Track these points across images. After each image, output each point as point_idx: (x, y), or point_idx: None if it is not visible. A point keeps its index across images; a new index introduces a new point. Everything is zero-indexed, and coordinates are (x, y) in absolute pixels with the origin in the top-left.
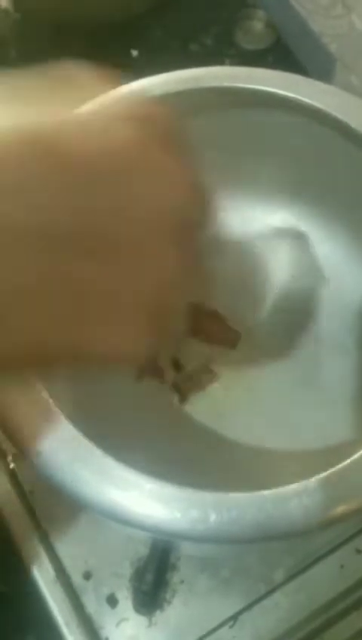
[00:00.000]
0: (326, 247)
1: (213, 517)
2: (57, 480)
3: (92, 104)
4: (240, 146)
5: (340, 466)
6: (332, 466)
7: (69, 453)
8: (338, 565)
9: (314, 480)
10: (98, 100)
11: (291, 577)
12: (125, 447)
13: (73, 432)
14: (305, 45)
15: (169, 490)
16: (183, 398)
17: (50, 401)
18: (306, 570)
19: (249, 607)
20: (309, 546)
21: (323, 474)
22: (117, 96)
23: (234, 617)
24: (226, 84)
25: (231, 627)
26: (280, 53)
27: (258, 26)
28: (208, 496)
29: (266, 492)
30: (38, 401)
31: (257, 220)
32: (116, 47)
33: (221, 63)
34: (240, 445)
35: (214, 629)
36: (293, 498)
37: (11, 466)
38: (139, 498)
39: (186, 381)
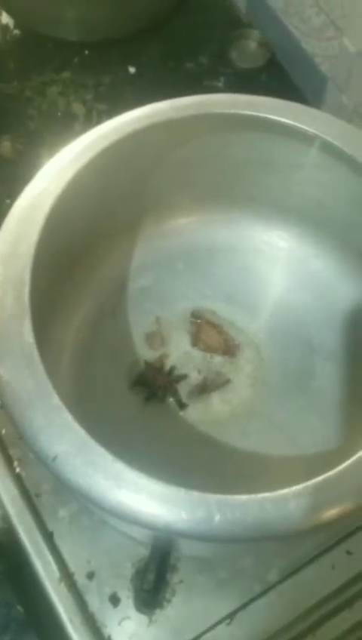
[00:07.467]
0: (319, 263)
1: (217, 517)
2: (72, 483)
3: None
4: (241, 168)
5: (336, 470)
6: (327, 470)
7: (82, 458)
8: (330, 566)
9: (311, 483)
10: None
11: (285, 578)
12: (130, 453)
13: (86, 438)
14: (298, 65)
15: (176, 492)
16: (182, 405)
17: (65, 409)
18: (299, 570)
19: (245, 606)
20: (302, 547)
21: (320, 477)
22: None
23: (231, 615)
24: (230, 111)
25: (228, 625)
26: (274, 72)
27: (252, 45)
28: (212, 498)
29: (266, 494)
30: (54, 409)
31: (256, 237)
32: (114, 64)
33: (216, 80)
34: (237, 451)
35: (212, 627)
36: (292, 500)
37: (17, 470)
38: (149, 500)
39: (195, 388)
